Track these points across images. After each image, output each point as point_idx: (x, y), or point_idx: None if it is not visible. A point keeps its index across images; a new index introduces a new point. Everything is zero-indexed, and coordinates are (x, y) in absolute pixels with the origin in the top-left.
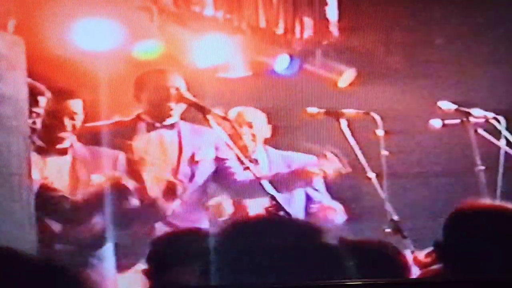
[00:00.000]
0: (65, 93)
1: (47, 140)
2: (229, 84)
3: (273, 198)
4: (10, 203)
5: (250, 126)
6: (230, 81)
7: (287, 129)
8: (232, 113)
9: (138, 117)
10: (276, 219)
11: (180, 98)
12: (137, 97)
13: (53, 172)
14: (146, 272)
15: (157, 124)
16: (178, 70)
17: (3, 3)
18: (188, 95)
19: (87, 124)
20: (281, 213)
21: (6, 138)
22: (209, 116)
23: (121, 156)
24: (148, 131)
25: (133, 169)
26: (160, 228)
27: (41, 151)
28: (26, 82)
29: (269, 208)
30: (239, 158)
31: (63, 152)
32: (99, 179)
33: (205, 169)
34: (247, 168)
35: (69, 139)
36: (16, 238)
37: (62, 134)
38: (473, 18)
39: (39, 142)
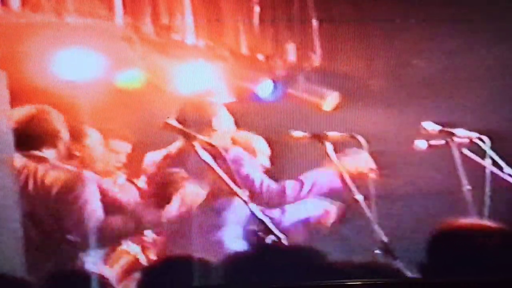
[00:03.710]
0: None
1: None
2: None
3: (262, 222)
4: None
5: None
6: None
7: (273, 153)
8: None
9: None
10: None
11: (165, 126)
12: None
13: None
14: None
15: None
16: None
17: None
18: (173, 123)
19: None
20: (271, 237)
21: None
22: (195, 143)
23: None
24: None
25: None
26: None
27: None
28: (9, 115)
29: (259, 233)
30: (227, 185)
31: None
32: None
33: None
34: (235, 193)
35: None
36: (4, 269)
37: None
38: (454, 39)
39: None
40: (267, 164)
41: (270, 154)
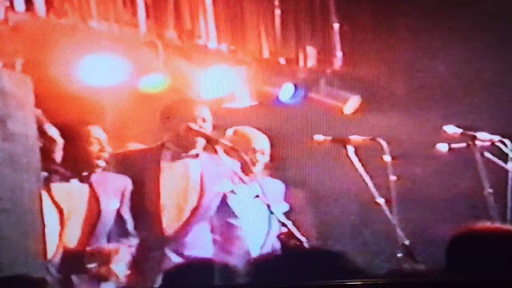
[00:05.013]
0: (85, 121)
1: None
2: (236, 114)
3: (284, 225)
4: (23, 239)
5: (263, 153)
6: (236, 111)
7: (295, 157)
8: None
9: (163, 145)
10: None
11: (188, 130)
12: (163, 125)
13: (73, 199)
14: None
15: (182, 154)
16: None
17: (10, 43)
18: (195, 127)
19: (116, 151)
20: (293, 240)
21: (17, 176)
22: (217, 147)
23: (128, 185)
24: (173, 160)
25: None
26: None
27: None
28: (35, 120)
29: (281, 236)
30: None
31: (84, 179)
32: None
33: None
34: (257, 196)
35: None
36: (29, 272)
37: (92, 160)
38: (475, 41)
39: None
40: (263, 159)
41: (271, 152)
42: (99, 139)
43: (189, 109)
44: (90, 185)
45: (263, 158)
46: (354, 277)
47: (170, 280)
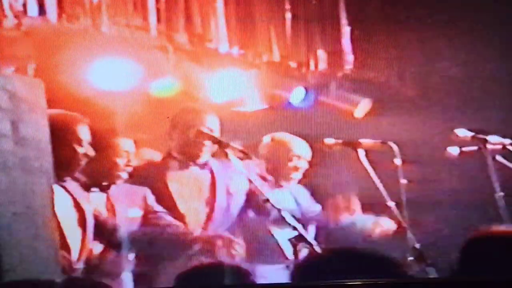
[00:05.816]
0: (111, 132)
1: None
2: (246, 117)
3: (295, 229)
4: (35, 242)
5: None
6: (247, 114)
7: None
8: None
9: (169, 155)
10: None
11: (198, 134)
12: (170, 134)
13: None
14: None
15: (190, 163)
16: (213, 110)
17: (22, 47)
18: (205, 130)
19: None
20: (304, 243)
21: (29, 179)
22: (227, 150)
23: (148, 192)
24: (181, 169)
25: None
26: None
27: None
28: (47, 124)
29: (292, 239)
30: (260, 191)
31: (105, 188)
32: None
33: (240, 201)
34: (267, 200)
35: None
36: (40, 275)
37: (115, 172)
38: (487, 44)
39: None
40: (304, 166)
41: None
42: (128, 152)
43: (197, 118)
44: (108, 198)
45: (304, 165)
46: (354, 277)
47: (184, 282)
